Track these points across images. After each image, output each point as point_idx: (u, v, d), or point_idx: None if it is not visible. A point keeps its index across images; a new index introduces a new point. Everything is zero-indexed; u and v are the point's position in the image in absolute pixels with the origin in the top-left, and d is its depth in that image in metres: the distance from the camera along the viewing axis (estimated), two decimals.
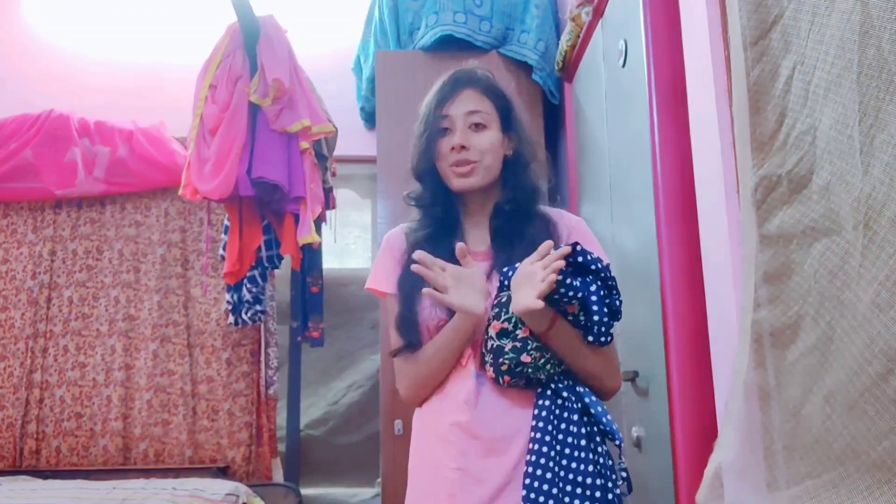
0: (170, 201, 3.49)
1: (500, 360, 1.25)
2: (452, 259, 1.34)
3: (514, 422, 1.29)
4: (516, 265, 1.28)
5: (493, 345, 1.26)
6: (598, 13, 2.39)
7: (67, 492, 2.65)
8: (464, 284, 1.27)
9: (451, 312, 1.32)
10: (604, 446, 1.28)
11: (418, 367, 1.35)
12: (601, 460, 1.25)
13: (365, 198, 4.32)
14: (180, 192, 2.96)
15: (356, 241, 4.38)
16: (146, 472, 3.13)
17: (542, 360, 1.26)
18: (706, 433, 1.45)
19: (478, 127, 1.38)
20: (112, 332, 3.38)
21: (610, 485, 1.24)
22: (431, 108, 1.41)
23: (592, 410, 1.27)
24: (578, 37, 2.59)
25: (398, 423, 2.64)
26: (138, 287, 3.43)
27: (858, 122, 0.81)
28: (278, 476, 3.32)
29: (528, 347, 1.24)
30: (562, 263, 1.18)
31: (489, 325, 1.29)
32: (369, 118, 3.57)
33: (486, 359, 1.28)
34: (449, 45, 2.93)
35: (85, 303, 3.41)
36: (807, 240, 0.96)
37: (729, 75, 1.37)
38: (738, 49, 1.11)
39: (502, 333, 1.26)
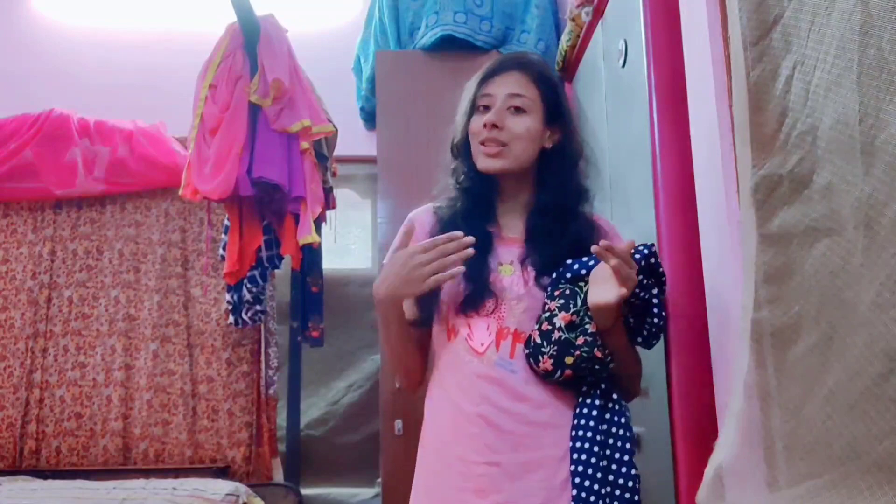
0: (170, 201, 3.49)
1: (570, 353, 1.23)
2: (484, 240, 1.33)
3: (544, 418, 1.27)
4: (585, 259, 1.26)
5: (560, 336, 1.23)
6: (598, 13, 2.39)
7: (67, 492, 2.65)
8: (402, 264, 1.26)
9: (472, 292, 1.31)
10: None
11: (384, 346, 1.38)
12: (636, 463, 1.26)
13: (365, 198, 4.32)
14: (180, 192, 2.96)
15: (356, 241, 4.38)
16: (146, 473, 3.13)
17: (609, 358, 1.26)
18: (706, 433, 1.45)
19: (517, 111, 1.34)
20: (112, 332, 3.38)
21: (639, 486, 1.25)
22: (475, 84, 1.39)
23: (628, 414, 1.29)
24: (578, 37, 2.59)
25: (398, 423, 2.64)
26: (138, 287, 3.43)
27: (859, 122, 0.81)
28: (278, 476, 3.31)
29: (598, 343, 1.24)
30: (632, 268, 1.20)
31: (550, 315, 1.26)
32: (369, 118, 3.57)
33: (545, 350, 1.24)
34: (449, 45, 2.92)
35: (85, 303, 3.41)
36: (808, 240, 0.95)
37: (729, 75, 1.37)
38: (738, 49, 1.11)
39: (571, 326, 1.24)
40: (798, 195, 0.98)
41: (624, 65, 2.06)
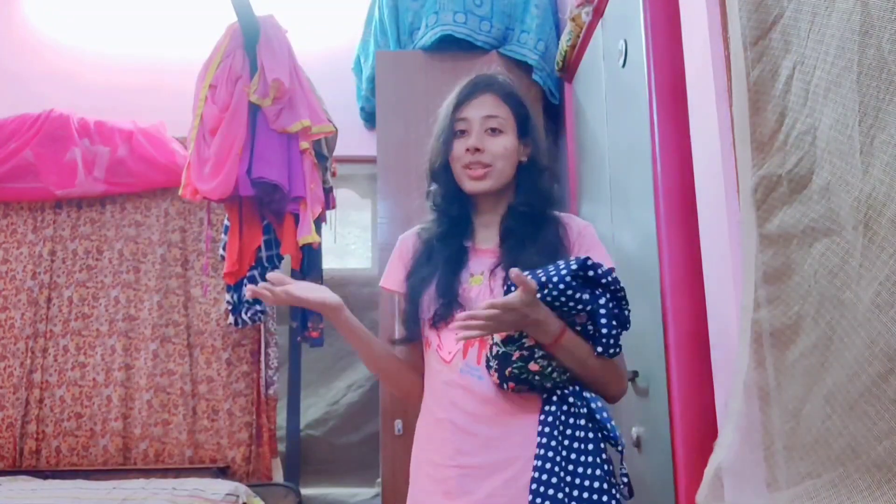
0: (170, 201, 3.49)
1: (507, 367, 1.25)
2: (458, 255, 1.38)
3: (511, 421, 1.29)
4: (533, 272, 1.27)
5: (498, 351, 1.26)
6: (598, 13, 2.39)
7: (67, 492, 2.65)
8: (311, 288, 1.35)
9: (441, 306, 1.35)
10: (606, 452, 1.28)
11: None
12: (606, 466, 1.25)
13: (365, 198, 4.32)
14: (180, 192, 2.96)
15: (356, 241, 4.38)
16: (146, 472, 3.13)
17: (549, 369, 1.26)
18: (706, 433, 1.45)
19: (494, 132, 1.40)
20: (112, 332, 3.38)
21: (613, 490, 1.24)
22: (450, 110, 1.44)
23: (598, 416, 1.29)
24: (578, 37, 2.59)
25: (398, 423, 2.64)
26: (138, 287, 3.43)
27: (858, 122, 0.81)
28: (278, 476, 3.32)
29: (536, 356, 1.25)
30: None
31: None
32: (369, 118, 3.57)
33: (491, 364, 1.28)
34: (449, 45, 2.92)
35: (85, 303, 3.41)
36: (807, 240, 0.95)
37: (729, 75, 1.37)
38: (738, 49, 1.11)
39: (509, 340, 1.26)
40: (797, 195, 0.98)
41: (624, 65, 2.06)
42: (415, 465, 1.40)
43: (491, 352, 1.28)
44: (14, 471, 3.18)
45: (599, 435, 1.28)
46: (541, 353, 1.25)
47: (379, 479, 3.06)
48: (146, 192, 3.49)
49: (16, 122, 3.38)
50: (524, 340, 1.25)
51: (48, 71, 3.68)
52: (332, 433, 4.04)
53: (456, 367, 1.33)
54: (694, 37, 1.61)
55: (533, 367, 1.25)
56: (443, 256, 1.40)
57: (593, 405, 1.30)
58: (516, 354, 1.25)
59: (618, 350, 1.27)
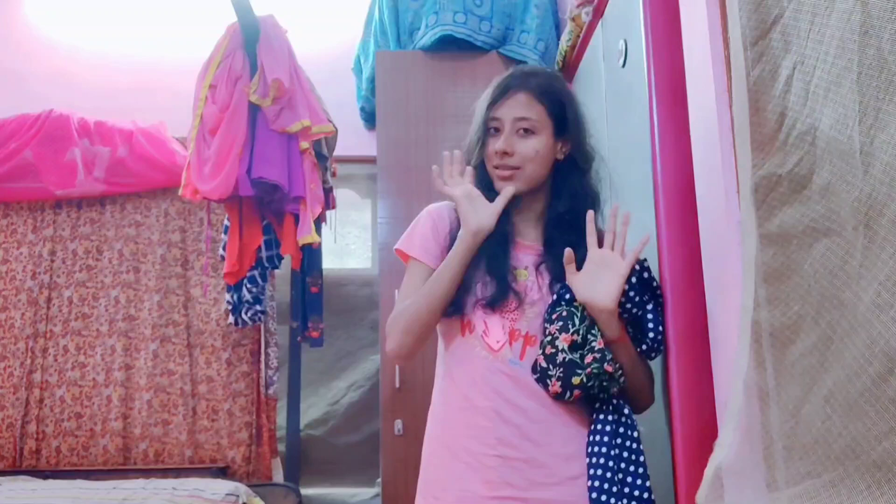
0: (170, 201, 3.49)
1: (577, 371, 1.25)
2: (501, 246, 1.37)
3: (554, 417, 1.30)
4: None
5: (564, 358, 1.25)
6: (598, 13, 2.39)
7: (67, 492, 2.65)
8: (476, 201, 1.33)
9: (497, 290, 1.33)
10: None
11: (425, 289, 1.35)
12: (649, 482, 1.28)
13: (365, 198, 4.33)
14: (180, 192, 2.96)
15: (356, 241, 4.38)
16: (146, 472, 3.13)
17: (619, 372, 1.27)
18: (706, 433, 1.45)
19: (526, 133, 1.39)
20: (112, 332, 3.38)
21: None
22: (484, 107, 1.43)
23: (640, 429, 1.33)
24: (578, 37, 2.59)
25: (398, 423, 2.64)
26: (138, 287, 3.43)
27: (858, 122, 0.81)
28: (278, 476, 3.32)
29: (608, 358, 1.26)
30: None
31: (552, 338, 1.27)
32: (369, 118, 3.57)
33: (551, 372, 1.26)
34: (449, 45, 2.92)
35: (85, 303, 3.41)
36: (807, 240, 0.95)
37: (729, 75, 1.37)
38: (738, 49, 1.11)
39: (574, 346, 1.25)
40: (797, 195, 0.98)
41: (624, 65, 2.06)
42: (447, 451, 1.34)
43: (553, 359, 1.26)
44: (14, 471, 3.18)
45: (640, 447, 1.30)
46: (610, 355, 1.26)
47: (379, 479, 3.06)
48: (146, 192, 3.49)
49: (16, 122, 3.38)
50: (593, 344, 1.26)
51: (48, 71, 3.68)
52: (332, 433, 4.04)
53: (505, 356, 1.31)
54: (694, 37, 1.61)
55: (608, 367, 1.25)
56: (486, 242, 1.37)
57: (634, 417, 1.32)
58: (589, 358, 1.25)
59: (660, 353, 1.30)
